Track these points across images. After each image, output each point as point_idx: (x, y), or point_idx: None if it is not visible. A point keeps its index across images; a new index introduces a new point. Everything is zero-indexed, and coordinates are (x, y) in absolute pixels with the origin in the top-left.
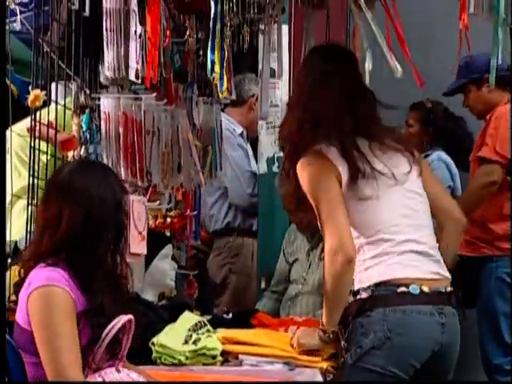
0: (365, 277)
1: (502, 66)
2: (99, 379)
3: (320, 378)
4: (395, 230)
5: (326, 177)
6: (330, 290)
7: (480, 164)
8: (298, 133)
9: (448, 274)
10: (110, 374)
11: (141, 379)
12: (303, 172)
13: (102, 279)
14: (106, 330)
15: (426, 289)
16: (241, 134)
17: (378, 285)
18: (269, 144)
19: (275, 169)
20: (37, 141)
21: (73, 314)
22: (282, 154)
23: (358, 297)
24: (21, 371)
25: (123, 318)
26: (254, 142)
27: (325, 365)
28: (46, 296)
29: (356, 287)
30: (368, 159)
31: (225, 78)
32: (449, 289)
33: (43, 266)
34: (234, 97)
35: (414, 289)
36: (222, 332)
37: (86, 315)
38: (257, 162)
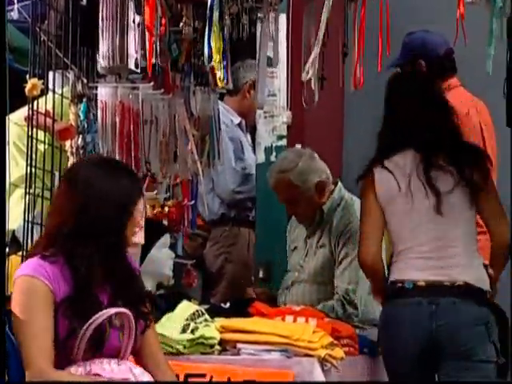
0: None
1: (438, 53)
2: (88, 368)
3: (318, 368)
4: (410, 241)
5: (366, 192)
6: None
7: None
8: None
9: (461, 278)
10: (105, 364)
11: (145, 376)
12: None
13: (86, 274)
14: (89, 321)
15: (421, 283)
16: (239, 124)
17: (388, 285)
18: (266, 133)
19: (273, 158)
20: (34, 130)
21: (47, 306)
22: (279, 143)
23: None
24: (19, 369)
25: (109, 312)
26: (251, 130)
27: (322, 353)
28: (25, 284)
29: None
30: (408, 176)
31: (221, 66)
32: (458, 283)
33: (39, 256)
34: (230, 86)
35: (409, 284)
36: (220, 321)
37: (65, 304)
38: (254, 151)
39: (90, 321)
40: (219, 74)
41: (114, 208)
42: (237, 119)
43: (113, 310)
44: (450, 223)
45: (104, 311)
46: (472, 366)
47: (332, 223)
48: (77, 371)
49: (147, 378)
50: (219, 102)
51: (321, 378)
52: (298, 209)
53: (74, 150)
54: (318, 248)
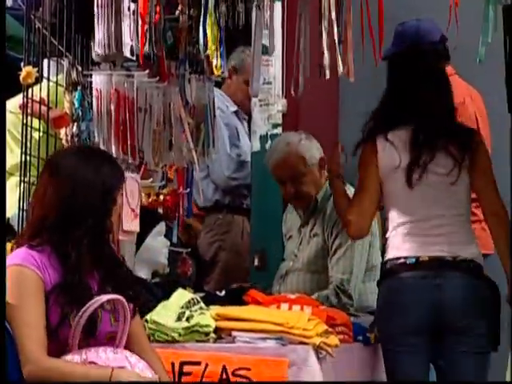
0: (386, 254)
1: (431, 39)
2: (84, 356)
3: (313, 356)
4: (408, 216)
5: (368, 161)
6: None
7: None
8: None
9: (461, 254)
10: (101, 352)
11: (141, 364)
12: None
13: (76, 260)
14: (83, 309)
15: (424, 258)
16: (235, 112)
17: (386, 262)
18: (261, 122)
19: (268, 146)
20: (29, 118)
21: (38, 294)
22: (274, 131)
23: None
24: (17, 368)
25: (102, 298)
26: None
27: (317, 341)
28: (15, 273)
29: None
30: (410, 152)
31: (218, 54)
32: (459, 258)
33: (26, 246)
34: (226, 74)
35: (411, 260)
36: (215, 309)
37: (56, 291)
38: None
39: (84, 308)
40: (216, 61)
41: (99, 195)
42: (233, 107)
43: (106, 297)
44: (450, 202)
45: (97, 298)
46: (471, 342)
47: (325, 212)
48: (72, 359)
49: (144, 366)
50: (216, 89)
51: (315, 365)
52: (303, 186)
53: (69, 138)
54: (311, 237)
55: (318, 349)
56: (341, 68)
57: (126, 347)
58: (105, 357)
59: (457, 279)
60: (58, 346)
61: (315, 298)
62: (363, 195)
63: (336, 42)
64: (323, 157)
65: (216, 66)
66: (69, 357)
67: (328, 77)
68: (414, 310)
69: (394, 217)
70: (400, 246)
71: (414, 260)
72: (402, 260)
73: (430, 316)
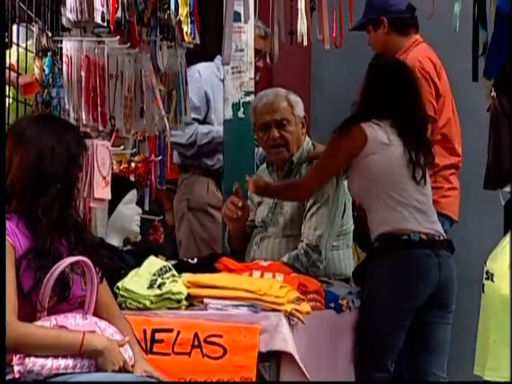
0: (376, 227)
1: (399, 8)
2: (53, 321)
3: (285, 322)
4: (404, 191)
5: (353, 138)
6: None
7: None
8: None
9: (442, 232)
10: (70, 318)
11: (111, 329)
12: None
13: (47, 226)
14: (51, 270)
15: (423, 236)
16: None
17: (385, 234)
18: (234, 89)
19: (241, 114)
20: None
21: (9, 260)
22: (247, 99)
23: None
24: None
25: (68, 260)
26: None
27: (289, 308)
28: None
29: (372, 237)
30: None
31: (189, 21)
32: (441, 238)
33: None
34: (197, 41)
35: (415, 236)
36: (187, 276)
37: (27, 257)
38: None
39: (52, 269)
40: (186, 28)
41: (64, 162)
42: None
43: (72, 258)
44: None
45: (64, 259)
46: (446, 315)
47: (301, 174)
48: (43, 325)
49: (113, 331)
50: (219, 56)
51: (287, 332)
52: (287, 134)
53: (39, 105)
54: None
55: (289, 316)
56: (303, 36)
57: (97, 314)
58: (74, 323)
59: (447, 258)
60: (31, 310)
61: (286, 260)
62: (327, 178)
63: (306, 8)
64: (306, 116)
65: (187, 33)
66: (39, 323)
67: (299, 41)
68: (421, 290)
69: (389, 190)
70: (400, 219)
71: (417, 237)
72: (405, 237)
73: (430, 294)
